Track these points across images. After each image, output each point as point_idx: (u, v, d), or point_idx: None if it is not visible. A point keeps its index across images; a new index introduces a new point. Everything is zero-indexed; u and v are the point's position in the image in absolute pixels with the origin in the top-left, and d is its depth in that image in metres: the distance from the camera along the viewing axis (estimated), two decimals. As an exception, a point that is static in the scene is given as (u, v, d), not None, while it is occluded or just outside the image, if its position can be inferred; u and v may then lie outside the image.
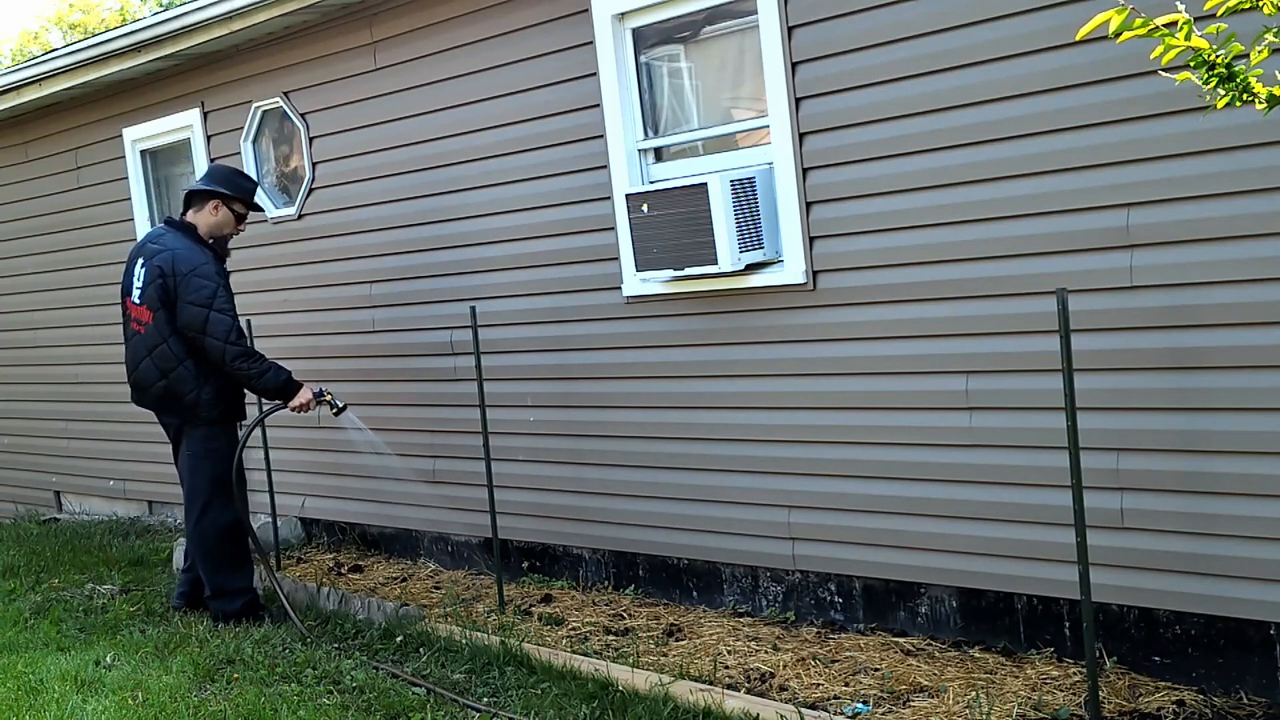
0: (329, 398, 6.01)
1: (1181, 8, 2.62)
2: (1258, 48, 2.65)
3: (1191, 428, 4.17)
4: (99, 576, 7.23)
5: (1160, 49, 2.65)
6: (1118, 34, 2.64)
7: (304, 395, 5.91)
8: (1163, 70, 2.84)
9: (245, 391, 6.00)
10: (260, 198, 7.44)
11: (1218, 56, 2.62)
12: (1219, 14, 2.62)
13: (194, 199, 6.03)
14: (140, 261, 5.89)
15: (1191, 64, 2.66)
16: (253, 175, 6.64)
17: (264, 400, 6.27)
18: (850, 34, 4.83)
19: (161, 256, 5.81)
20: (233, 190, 6.03)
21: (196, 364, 5.78)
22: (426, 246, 6.62)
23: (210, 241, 5.97)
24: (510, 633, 5.44)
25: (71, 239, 9.09)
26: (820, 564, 5.26)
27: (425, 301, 6.67)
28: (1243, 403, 4.06)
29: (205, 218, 5.99)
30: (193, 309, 5.71)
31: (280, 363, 5.97)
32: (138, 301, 5.87)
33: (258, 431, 7.11)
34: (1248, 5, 2.61)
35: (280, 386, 5.88)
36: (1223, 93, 2.65)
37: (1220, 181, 4.01)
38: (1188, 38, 2.60)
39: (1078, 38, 2.76)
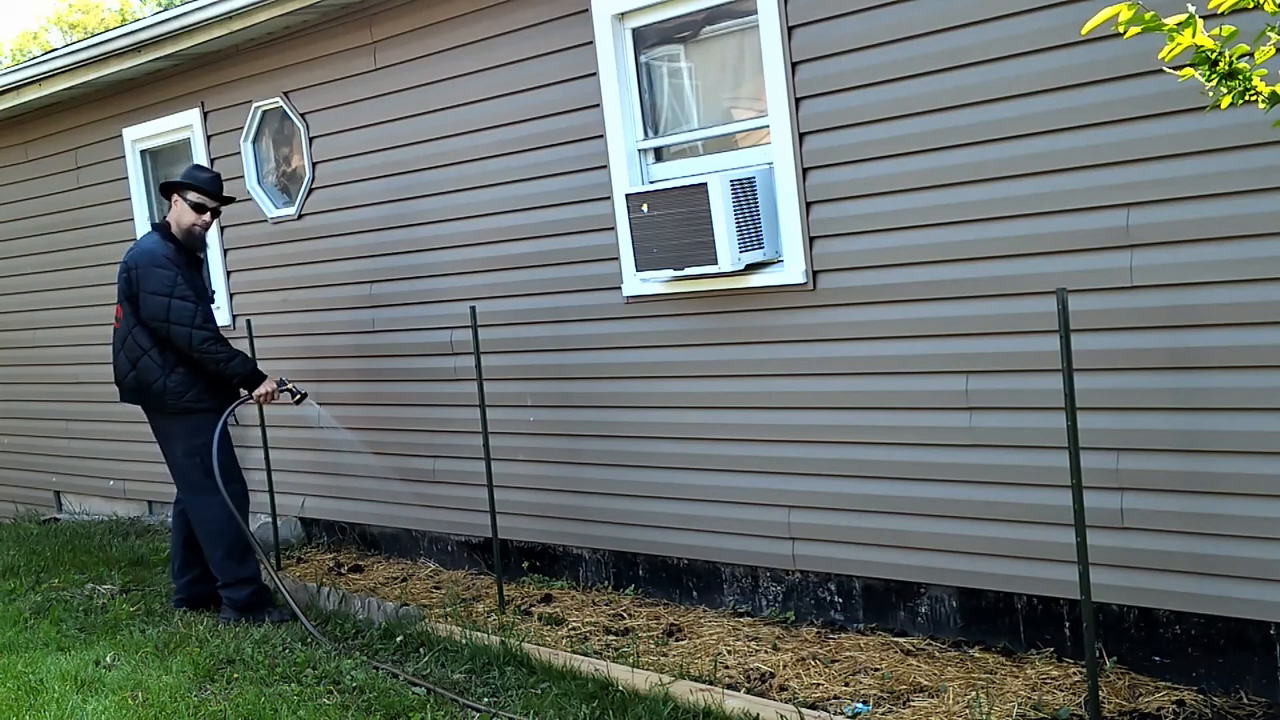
0: (290, 386, 6.15)
1: (1192, 8, 2.62)
2: (1263, 46, 2.65)
3: (1191, 428, 4.17)
4: (99, 576, 7.23)
5: (1168, 46, 2.64)
6: (1125, 28, 2.63)
7: (268, 385, 6.05)
8: (1167, 67, 2.83)
9: (221, 382, 6.00)
10: (256, 192, 7.48)
11: (1221, 55, 2.61)
12: (1221, 10, 2.62)
13: (164, 198, 6.15)
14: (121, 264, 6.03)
15: (1195, 61, 2.66)
16: (220, 168, 6.68)
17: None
18: (850, 34, 4.83)
19: (130, 254, 5.98)
20: (184, 178, 6.06)
21: (161, 353, 5.86)
22: (427, 246, 6.62)
23: (181, 239, 6.01)
24: (510, 633, 5.44)
25: (71, 239, 9.09)
26: (820, 564, 5.26)
27: (425, 301, 6.67)
28: (1243, 403, 4.06)
29: (172, 214, 6.07)
30: (155, 299, 5.79)
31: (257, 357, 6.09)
32: (117, 301, 6.01)
33: (256, 432, 7.13)
34: (1251, 4, 2.60)
35: (248, 374, 5.99)
36: (1225, 90, 2.65)
37: (1220, 181, 4.01)
38: (1193, 34, 2.59)
39: (1083, 32, 2.75)
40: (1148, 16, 2.60)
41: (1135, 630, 4.47)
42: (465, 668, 5.04)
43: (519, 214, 6.14)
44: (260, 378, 6.04)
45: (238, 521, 5.95)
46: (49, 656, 5.57)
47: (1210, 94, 2.70)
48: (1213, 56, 2.62)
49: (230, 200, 6.37)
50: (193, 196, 6.00)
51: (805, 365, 5.18)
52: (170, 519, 6.61)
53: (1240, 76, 2.62)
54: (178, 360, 5.87)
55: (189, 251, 6.05)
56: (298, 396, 6.19)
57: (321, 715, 4.61)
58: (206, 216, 6.07)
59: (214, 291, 6.52)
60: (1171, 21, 2.60)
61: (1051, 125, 4.34)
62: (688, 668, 4.87)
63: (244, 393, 6.08)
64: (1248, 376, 4.05)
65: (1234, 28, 2.65)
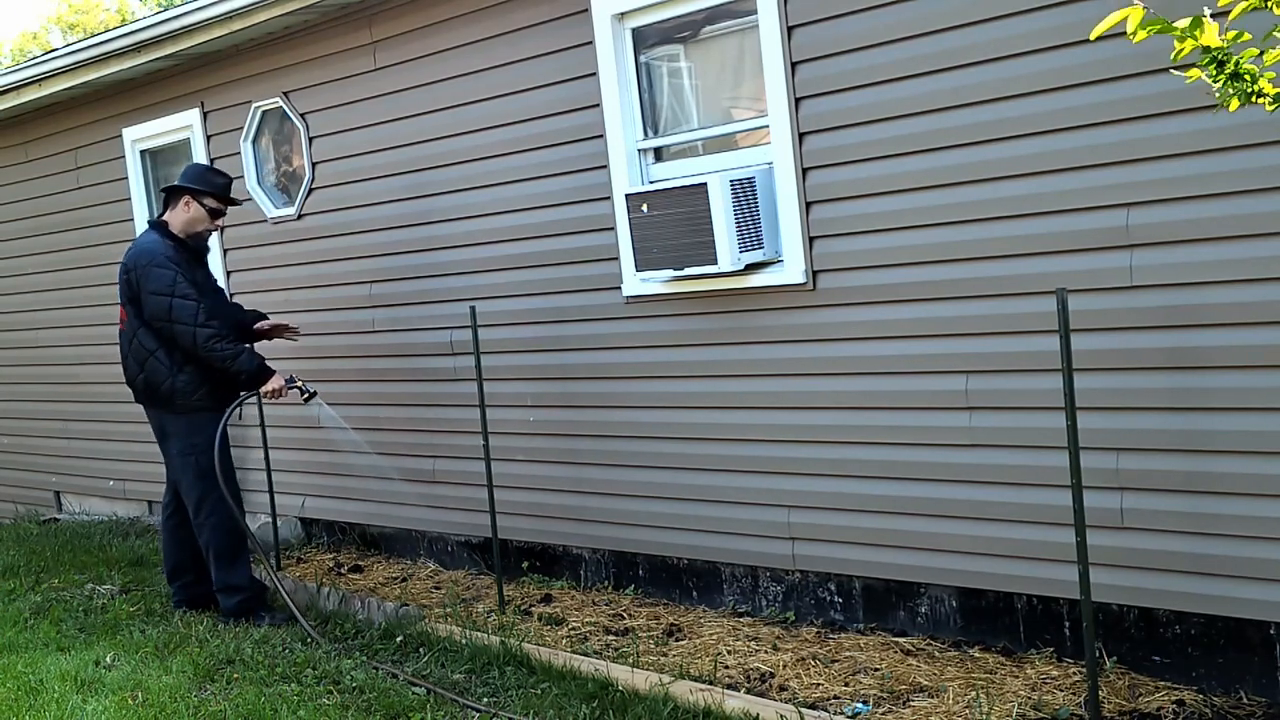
0: (299, 384, 6.02)
1: (1207, 12, 2.61)
2: (1271, 49, 2.65)
3: (1191, 428, 4.17)
4: (99, 576, 7.23)
5: (1177, 48, 2.63)
6: (1135, 31, 2.62)
7: (275, 381, 5.92)
8: (1173, 69, 2.83)
9: (228, 381, 5.91)
10: (256, 192, 7.46)
11: (1229, 56, 2.61)
12: (1232, 15, 2.62)
13: (169, 197, 6.06)
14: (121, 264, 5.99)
15: (1203, 62, 2.65)
16: (226, 171, 6.52)
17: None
18: (850, 34, 4.83)
19: (129, 255, 5.91)
20: (202, 185, 6.00)
21: (168, 353, 5.80)
22: (426, 246, 6.62)
23: (184, 237, 5.96)
24: (510, 633, 5.44)
25: (71, 239, 9.09)
26: (820, 564, 5.26)
27: (425, 301, 6.67)
28: (1243, 403, 4.06)
29: (178, 215, 5.99)
30: (156, 299, 5.74)
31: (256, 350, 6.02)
32: (119, 301, 5.98)
33: (257, 431, 7.13)
34: (1261, 4, 2.60)
35: (254, 371, 5.87)
36: (1232, 91, 2.64)
37: (1220, 181, 4.01)
38: (1202, 36, 2.59)
39: (1092, 36, 2.75)
40: (1159, 22, 2.59)
41: (1135, 630, 4.47)
42: (465, 668, 5.04)
43: (519, 214, 6.14)
44: (268, 374, 5.90)
45: (233, 525, 5.90)
46: (49, 656, 5.57)
47: (1218, 95, 2.69)
48: (1220, 57, 2.62)
49: (238, 203, 6.39)
50: (209, 203, 5.98)
51: (805, 365, 5.18)
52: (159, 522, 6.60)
53: (1244, 77, 2.62)
54: (185, 359, 5.80)
55: (191, 249, 5.99)
56: (306, 395, 6.05)
57: (321, 715, 4.61)
58: (219, 221, 6.09)
59: (221, 290, 6.41)
60: (1181, 24, 2.60)
61: (1051, 125, 4.34)
62: (688, 668, 4.87)
63: (243, 394, 5.97)
64: (1248, 376, 4.05)
65: (1240, 32, 2.64)
